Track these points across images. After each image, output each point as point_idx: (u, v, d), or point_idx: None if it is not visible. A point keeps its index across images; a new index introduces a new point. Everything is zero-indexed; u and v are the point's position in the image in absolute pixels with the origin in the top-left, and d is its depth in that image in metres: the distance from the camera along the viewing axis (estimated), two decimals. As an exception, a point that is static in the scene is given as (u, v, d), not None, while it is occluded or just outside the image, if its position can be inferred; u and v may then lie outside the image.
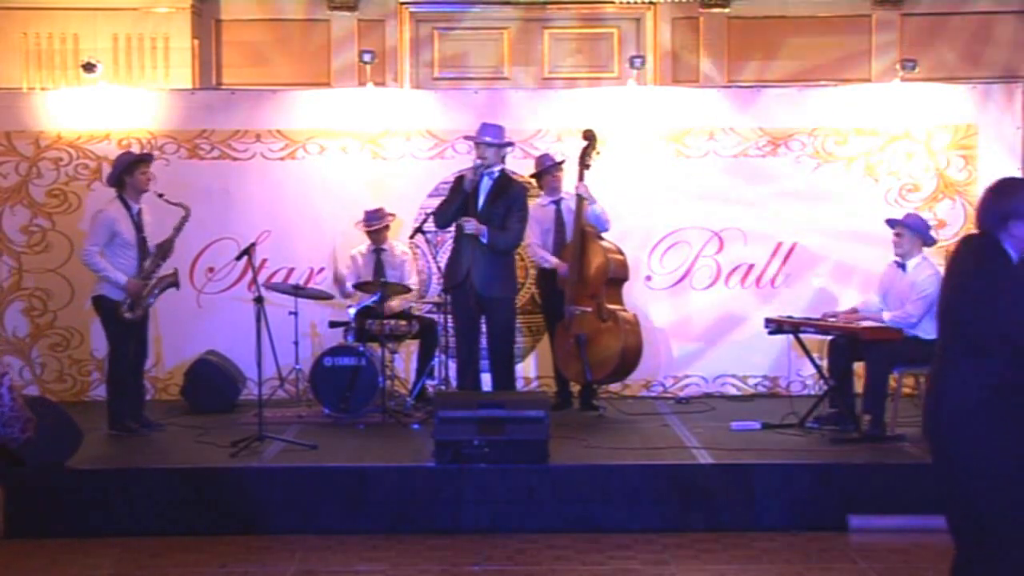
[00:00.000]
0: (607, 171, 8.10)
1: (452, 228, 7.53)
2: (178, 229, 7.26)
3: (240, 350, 8.14)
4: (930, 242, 7.21)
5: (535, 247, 7.98)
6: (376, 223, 8.18)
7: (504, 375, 7.45)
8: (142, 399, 7.47)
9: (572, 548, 5.86)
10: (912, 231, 7.09)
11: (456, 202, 7.33)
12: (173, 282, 7.35)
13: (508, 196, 7.39)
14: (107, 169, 8.45)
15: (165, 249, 7.23)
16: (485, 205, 7.33)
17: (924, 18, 9.37)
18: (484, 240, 7.26)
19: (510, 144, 7.64)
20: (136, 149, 8.16)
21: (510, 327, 7.68)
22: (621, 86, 9.04)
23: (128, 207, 7.12)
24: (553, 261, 7.83)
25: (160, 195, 7.23)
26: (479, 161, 7.33)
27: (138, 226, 7.14)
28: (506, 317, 7.54)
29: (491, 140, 7.36)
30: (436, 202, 8.07)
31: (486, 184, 7.37)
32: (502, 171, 7.46)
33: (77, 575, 5.35)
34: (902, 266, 7.08)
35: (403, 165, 8.63)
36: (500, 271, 7.42)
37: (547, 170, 7.94)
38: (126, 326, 7.12)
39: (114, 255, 7.07)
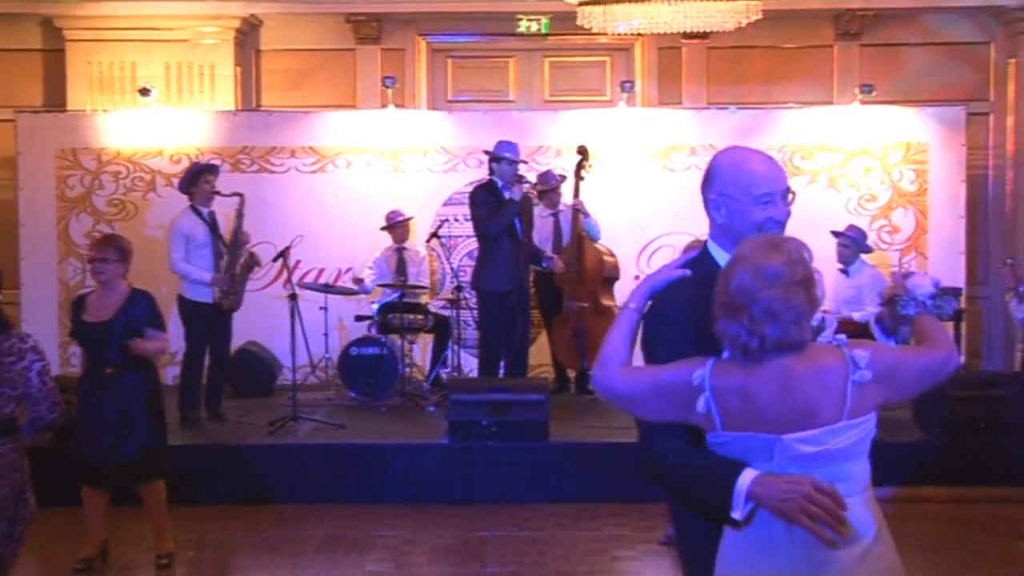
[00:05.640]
0: (601, 183, 8.05)
1: (470, 232, 7.48)
2: (240, 215, 7.15)
3: (277, 341, 8.10)
4: (867, 250, 7.30)
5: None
6: (398, 219, 8.09)
7: (525, 361, 7.41)
8: (220, 392, 7.16)
9: (571, 516, 5.84)
10: (854, 241, 7.17)
11: (507, 216, 6.99)
12: (253, 263, 7.26)
13: (530, 209, 7.31)
14: (160, 181, 8.52)
15: (237, 240, 7.11)
16: (521, 221, 7.13)
17: (879, 48, 9.30)
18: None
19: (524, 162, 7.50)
20: (184, 164, 8.09)
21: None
22: (613, 108, 8.97)
23: (199, 212, 7.02)
24: (550, 256, 7.65)
25: (216, 192, 7.13)
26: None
27: (212, 227, 7.03)
28: (530, 313, 7.60)
29: (512, 157, 7.16)
30: (451, 210, 8.06)
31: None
32: None
33: (119, 539, 5.28)
34: (845, 272, 7.13)
35: (420, 178, 8.57)
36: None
37: (551, 188, 7.88)
38: (203, 325, 6.95)
39: (194, 257, 6.95)
